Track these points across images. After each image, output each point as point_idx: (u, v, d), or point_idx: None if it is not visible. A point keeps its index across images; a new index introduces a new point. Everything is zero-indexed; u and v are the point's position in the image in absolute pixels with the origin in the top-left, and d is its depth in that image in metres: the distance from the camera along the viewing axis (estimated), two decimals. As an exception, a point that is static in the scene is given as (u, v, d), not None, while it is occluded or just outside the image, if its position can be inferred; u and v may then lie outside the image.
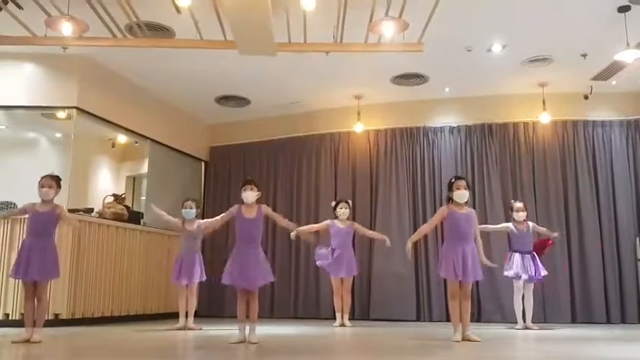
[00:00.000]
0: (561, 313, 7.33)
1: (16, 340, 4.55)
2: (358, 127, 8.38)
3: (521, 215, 6.44)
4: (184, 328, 6.11)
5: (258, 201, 4.86)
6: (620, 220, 7.56)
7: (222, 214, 4.94)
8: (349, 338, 5.66)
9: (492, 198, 7.86)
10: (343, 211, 6.97)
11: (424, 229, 5.29)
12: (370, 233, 7.23)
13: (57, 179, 4.93)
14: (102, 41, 5.77)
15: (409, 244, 5.06)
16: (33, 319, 4.67)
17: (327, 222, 7.03)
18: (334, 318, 7.00)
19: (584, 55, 6.77)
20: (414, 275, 7.92)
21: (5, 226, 6.34)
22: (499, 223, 6.90)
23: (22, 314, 5.28)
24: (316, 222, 8.35)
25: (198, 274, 6.22)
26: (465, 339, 4.82)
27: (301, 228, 6.74)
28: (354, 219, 7.30)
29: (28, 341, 4.55)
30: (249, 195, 4.76)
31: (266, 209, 4.81)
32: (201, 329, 6.15)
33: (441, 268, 4.98)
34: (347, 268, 6.79)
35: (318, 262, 6.96)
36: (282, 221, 5.01)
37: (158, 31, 6.15)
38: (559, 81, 7.54)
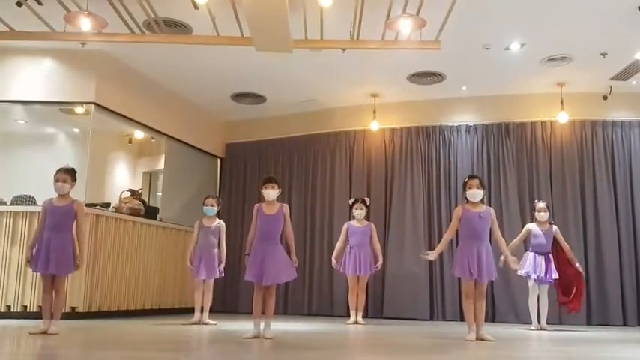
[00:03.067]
0: (577, 315, 7.21)
1: (33, 332, 4.61)
2: (374, 126, 8.36)
3: (542, 215, 6.35)
4: (199, 322, 6.15)
5: (279, 199, 4.87)
6: (639, 222, 7.47)
7: (252, 224, 4.83)
8: (363, 335, 5.66)
9: (508, 198, 7.80)
10: (358, 212, 6.98)
11: (447, 236, 5.23)
12: (377, 248, 7.01)
13: (72, 173, 4.91)
14: (120, 37, 5.83)
15: (435, 255, 5.09)
16: (50, 311, 4.72)
17: (345, 227, 7.05)
18: (348, 315, 7.00)
19: (603, 54, 6.69)
20: (428, 274, 7.89)
21: (24, 220, 6.44)
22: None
23: (39, 306, 5.35)
24: (331, 220, 8.43)
25: (217, 270, 6.23)
26: (478, 338, 4.80)
27: (333, 260, 6.89)
28: (368, 217, 7.28)
29: (45, 333, 4.61)
30: (271, 193, 4.77)
31: (286, 211, 4.79)
32: (216, 324, 6.18)
33: (456, 267, 4.96)
34: (364, 266, 6.79)
35: None
36: (291, 241, 4.82)
37: (175, 27, 6.19)
38: (578, 80, 7.47)
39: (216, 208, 6.38)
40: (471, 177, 5.11)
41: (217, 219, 6.42)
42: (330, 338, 5.31)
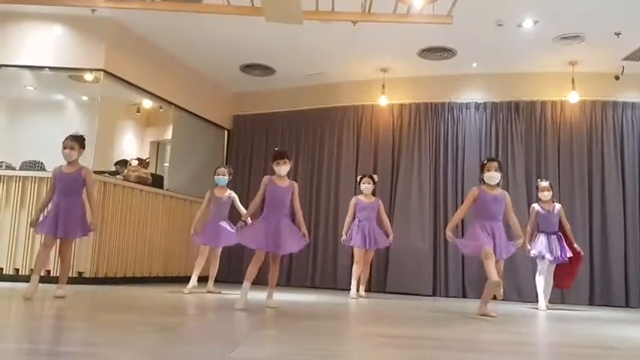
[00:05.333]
0: (579, 295, 7.26)
1: (27, 296, 4.48)
2: (382, 101, 8.31)
3: (546, 195, 6.31)
4: (192, 291, 6.04)
5: (289, 176, 4.89)
6: (645, 205, 7.45)
7: (258, 193, 4.81)
8: (366, 308, 5.71)
9: (516, 177, 7.78)
10: (366, 186, 6.95)
11: (459, 214, 5.22)
12: (386, 223, 7.00)
13: (80, 140, 4.93)
14: (130, 4, 5.78)
15: (449, 233, 4.95)
16: (43, 267, 4.75)
17: (352, 201, 6.99)
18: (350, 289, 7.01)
19: (617, 34, 6.59)
20: (432, 250, 7.92)
21: (32, 184, 6.49)
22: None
23: (31, 269, 5.30)
24: (336, 194, 8.45)
25: (225, 239, 6.25)
26: (481, 314, 4.83)
27: (344, 236, 6.82)
28: (375, 191, 7.26)
29: (28, 298, 4.48)
30: (283, 169, 4.76)
31: (296, 187, 4.81)
32: (220, 292, 6.24)
33: (470, 245, 4.92)
34: (373, 240, 6.78)
35: None
36: (300, 216, 4.86)
37: (186, -5, 6.13)
38: (590, 60, 7.38)
39: (227, 178, 6.39)
40: (490, 159, 5.10)
41: (228, 189, 6.43)
42: (333, 309, 5.37)
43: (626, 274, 7.29)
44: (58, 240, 4.85)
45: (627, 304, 7.19)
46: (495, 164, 4.97)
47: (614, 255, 7.35)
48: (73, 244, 6.07)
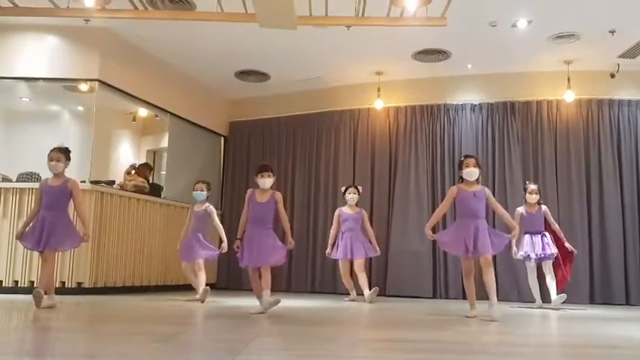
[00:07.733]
0: (579, 294, 7.24)
1: (43, 306, 4.60)
2: (378, 104, 8.32)
3: (533, 197, 6.35)
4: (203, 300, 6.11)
5: (273, 186, 4.92)
6: (643, 202, 7.45)
7: (244, 209, 4.90)
8: (366, 312, 5.69)
9: (513, 177, 7.78)
10: (351, 196, 6.98)
11: (439, 212, 5.24)
12: (370, 233, 6.99)
13: (65, 151, 4.93)
14: (124, 13, 5.78)
15: (428, 231, 4.97)
16: (54, 286, 4.76)
17: (336, 213, 7.06)
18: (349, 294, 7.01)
19: (612, 32, 6.60)
20: (431, 252, 7.91)
21: (30, 196, 6.45)
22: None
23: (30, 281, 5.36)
24: (334, 199, 8.43)
25: (198, 254, 6.24)
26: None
27: (328, 249, 6.91)
28: (372, 196, 7.26)
29: (52, 307, 4.64)
30: (266, 182, 4.82)
31: (279, 197, 4.84)
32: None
33: (448, 244, 5.01)
34: (356, 250, 6.75)
35: None
36: (286, 225, 4.91)
37: (179, 3, 6.13)
38: (585, 58, 7.38)
39: (205, 193, 6.43)
40: (467, 156, 5.13)
41: (207, 203, 6.45)
42: (333, 315, 5.36)
43: (626, 272, 7.29)
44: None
45: (628, 302, 7.18)
46: (473, 160, 4.98)
47: (613, 252, 7.35)
48: (70, 255, 6.13)
